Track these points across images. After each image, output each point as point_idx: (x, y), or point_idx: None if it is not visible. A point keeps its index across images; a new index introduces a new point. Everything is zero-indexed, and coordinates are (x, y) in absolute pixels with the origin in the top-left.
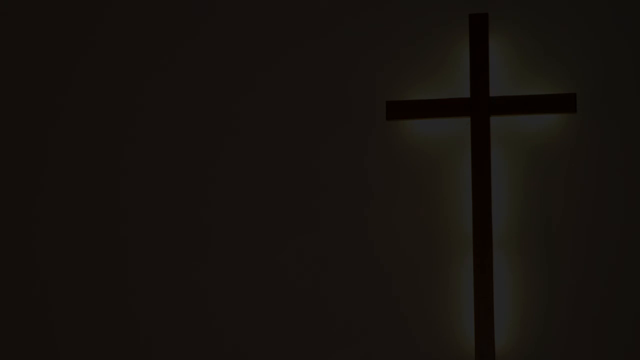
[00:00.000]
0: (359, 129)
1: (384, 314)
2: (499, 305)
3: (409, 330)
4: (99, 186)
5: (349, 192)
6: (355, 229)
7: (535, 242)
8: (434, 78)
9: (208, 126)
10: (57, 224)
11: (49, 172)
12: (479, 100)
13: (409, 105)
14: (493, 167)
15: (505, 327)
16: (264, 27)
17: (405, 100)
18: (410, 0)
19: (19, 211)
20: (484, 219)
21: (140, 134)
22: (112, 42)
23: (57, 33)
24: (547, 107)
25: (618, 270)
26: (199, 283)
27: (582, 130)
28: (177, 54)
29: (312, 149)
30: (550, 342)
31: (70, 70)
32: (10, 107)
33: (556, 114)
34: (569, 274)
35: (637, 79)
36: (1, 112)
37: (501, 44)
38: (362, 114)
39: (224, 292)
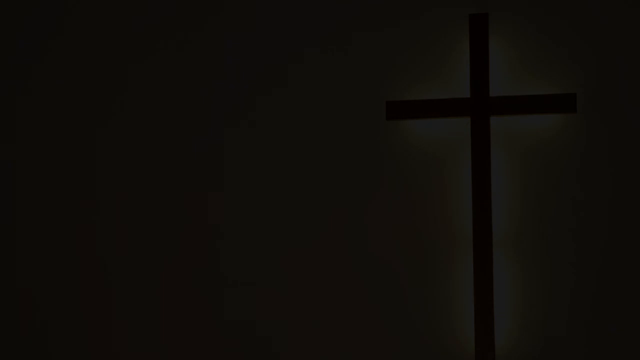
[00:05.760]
0: (359, 129)
1: (383, 313)
2: (499, 305)
3: (409, 330)
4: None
5: (349, 192)
6: (355, 228)
7: (535, 242)
8: (434, 78)
9: (209, 126)
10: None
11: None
12: (479, 100)
13: (409, 105)
14: (493, 167)
15: (505, 326)
16: (264, 28)
17: (405, 100)
18: (410, 1)
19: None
20: (484, 219)
21: (150, 136)
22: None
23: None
24: (547, 107)
25: (618, 270)
26: (205, 283)
27: (582, 130)
28: (180, 52)
29: (313, 149)
30: (550, 341)
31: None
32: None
33: (556, 114)
34: (569, 273)
35: (637, 79)
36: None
37: (501, 44)
38: (362, 114)
39: (224, 292)
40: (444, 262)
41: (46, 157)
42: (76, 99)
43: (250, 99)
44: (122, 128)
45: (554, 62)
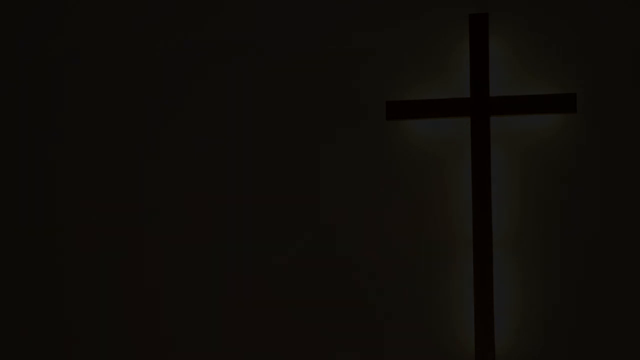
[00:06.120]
0: (359, 129)
1: (383, 314)
2: (499, 305)
3: (409, 330)
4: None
5: (349, 192)
6: (355, 228)
7: (535, 242)
8: (434, 78)
9: (210, 126)
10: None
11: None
12: (479, 100)
13: (409, 105)
14: (493, 167)
15: (505, 326)
16: (264, 28)
17: (405, 100)
18: (410, 1)
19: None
20: (484, 219)
21: (153, 137)
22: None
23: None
24: (547, 107)
25: (618, 270)
26: (204, 284)
27: (582, 130)
28: (180, 52)
29: (313, 149)
30: (550, 341)
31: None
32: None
33: (556, 114)
34: (569, 273)
35: (636, 79)
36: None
37: (501, 44)
38: (362, 114)
39: (225, 293)
40: (444, 262)
41: (44, 157)
42: (76, 98)
43: (250, 99)
44: (122, 127)
45: (554, 62)
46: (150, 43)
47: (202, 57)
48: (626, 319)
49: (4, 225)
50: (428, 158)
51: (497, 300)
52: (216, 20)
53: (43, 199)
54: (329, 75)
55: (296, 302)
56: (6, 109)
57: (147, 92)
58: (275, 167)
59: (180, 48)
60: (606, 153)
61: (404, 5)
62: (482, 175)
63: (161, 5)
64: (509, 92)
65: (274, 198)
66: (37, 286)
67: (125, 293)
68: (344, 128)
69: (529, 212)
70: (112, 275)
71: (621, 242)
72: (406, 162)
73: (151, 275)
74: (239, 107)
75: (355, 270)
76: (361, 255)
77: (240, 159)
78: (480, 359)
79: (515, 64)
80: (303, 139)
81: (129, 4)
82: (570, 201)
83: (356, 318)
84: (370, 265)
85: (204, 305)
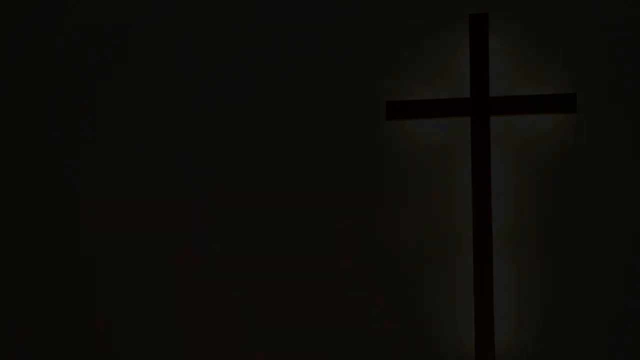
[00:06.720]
0: (359, 129)
1: (384, 313)
2: (498, 305)
3: (409, 330)
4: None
5: (348, 192)
6: (355, 228)
7: (535, 242)
8: (434, 78)
9: (209, 125)
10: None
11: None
12: (479, 100)
13: (409, 105)
14: (493, 167)
15: (505, 326)
16: (264, 28)
17: (405, 100)
18: (410, 1)
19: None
20: (484, 219)
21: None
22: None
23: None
24: (547, 107)
25: (618, 270)
26: (205, 284)
27: (582, 130)
28: (180, 52)
29: (312, 149)
30: (550, 341)
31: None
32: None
33: (556, 114)
34: (569, 273)
35: (636, 79)
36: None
37: (501, 44)
38: (362, 114)
39: (232, 294)
40: (444, 262)
41: (44, 157)
42: (76, 98)
43: (249, 100)
44: (121, 127)
45: (554, 62)
46: (150, 42)
47: (203, 56)
48: (626, 319)
49: (3, 225)
50: (428, 158)
51: (497, 300)
52: (216, 20)
53: (43, 199)
54: (329, 75)
55: (296, 302)
56: (6, 109)
57: (147, 91)
58: (275, 166)
59: (181, 46)
60: (606, 153)
61: (404, 5)
62: (482, 175)
63: (161, 5)
64: (509, 92)
65: (274, 198)
66: (37, 286)
67: (125, 293)
68: (344, 128)
69: (529, 212)
70: (112, 275)
71: (621, 242)
72: (406, 162)
73: (151, 275)
74: (239, 106)
75: (356, 270)
76: (361, 255)
77: (240, 158)
78: (480, 359)
79: (515, 64)
80: (303, 139)
81: (129, 4)
82: (570, 201)
83: (356, 317)
84: (371, 265)
85: (204, 305)
